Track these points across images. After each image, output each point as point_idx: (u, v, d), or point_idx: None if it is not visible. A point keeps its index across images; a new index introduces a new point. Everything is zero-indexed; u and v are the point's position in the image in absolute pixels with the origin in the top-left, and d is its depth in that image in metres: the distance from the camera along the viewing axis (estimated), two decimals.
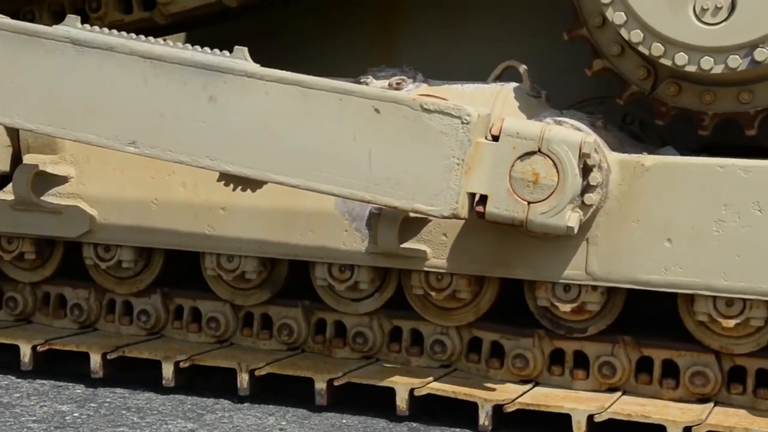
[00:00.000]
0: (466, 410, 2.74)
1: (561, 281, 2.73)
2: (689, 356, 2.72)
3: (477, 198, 2.60)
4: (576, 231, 2.60)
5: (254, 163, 2.67)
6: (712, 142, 2.98)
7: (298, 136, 2.63)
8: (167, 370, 2.99)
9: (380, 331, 3.01)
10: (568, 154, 2.56)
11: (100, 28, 2.77)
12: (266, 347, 3.10)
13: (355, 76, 3.02)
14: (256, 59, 2.71)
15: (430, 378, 2.82)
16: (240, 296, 3.12)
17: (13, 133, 3.21)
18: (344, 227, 2.91)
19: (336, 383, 2.84)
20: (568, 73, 3.23)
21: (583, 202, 2.61)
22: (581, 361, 2.82)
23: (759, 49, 2.64)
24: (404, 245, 2.81)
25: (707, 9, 2.67)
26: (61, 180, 3.17)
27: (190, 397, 2.95)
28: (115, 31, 2.76)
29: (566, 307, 2.75)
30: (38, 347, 3.11)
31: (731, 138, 2.91)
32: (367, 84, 2.96)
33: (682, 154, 2.83)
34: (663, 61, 2.73)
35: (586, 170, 2.61)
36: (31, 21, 3.45)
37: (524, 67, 2.98)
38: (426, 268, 2.84)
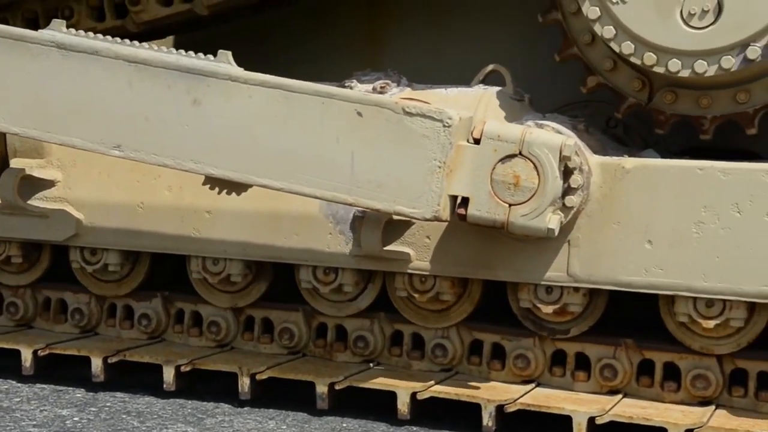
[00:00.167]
0: (467, 414, 2.75)
1: (543, 283, 2.75)
2: (690, 359, 2.72)
3: (459, 200, 2.62)
4: (557, 233, 2.62)
5: (238, 166, 2.69)
6: (696, 146, 3.01)
7: (281, 140, 2.65)
8: (168, 374, 2.99)
9: (381, 335, 3.01)
10: (548, 157, 2.58)
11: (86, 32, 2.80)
12: (267, 351, 3.10)
13: (342, 79, 3.04)
14: (245, 63, 2.73)
15: (432, 381, 2.82)
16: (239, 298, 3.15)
17: (0, 138, 3.23)
18: (329, 230, 2.92)
19: (337, 387, 2.84)
20: (553, 77, 3.26)
21: (564, 204, 2.63)
22: (582, 362, 2.83)
23: (751, 47, 2.65)
24: (388, 248, 2.83)
25: (694, 13, 2.69)
26: (48, 184, 3.19)
27: (190, 401, 2.96)
28: (100, 35, 2.79)
29: (548, 309, 2.77)
30: (39, 352, 3.12)
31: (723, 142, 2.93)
32: (351, 88, 2.98)
33: (663, 156, 2.85)
34: (656, 69, 2.74)
35: (567, 173, 2.62)
36: None
37: (505, 70, 3.00)
38: (410, 271, 2.85)
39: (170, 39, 3.75)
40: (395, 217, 2.74)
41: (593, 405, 2.67)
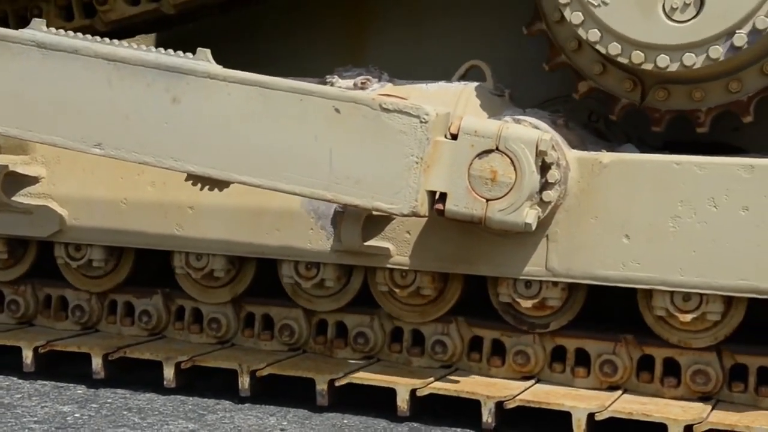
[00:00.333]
0: (467, 410, 2.76)
1: (522, 277, 2.76)
2: (690, 355, 2.72)
3: (437, 196, 2.63)
4: (534, 228, 2.63)
5: (217, 164, 2.71)
6: (675, 140, 3.02)
7: (260, 137, 2.67)
8: (168, 371, 3.00)
9: (381, 332, 3.02)
10: (524, 152, 2.59)
11: (65, 31, 2.81)
12: (267, 348, 3.11)
13: (323, 75, 3.05)
14: (226, 60, 2.74)
15: (432, 378, 2.83)
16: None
17: None
18: (310, 225, 2.94)
19: (337, 384, 2.84)
20: (534, 72, 3.26)
21: (541, 199, 2.64)
22: (582, 358, 2.84)
23: (737, 34, 2.66)
24: (368, 243, 2.84)
25: (676, 7, 2.70)
26: (32, 180, 3.20)
27: (191, 398, 2.96)
28: (80, 34, 2.80)
29: (527, 303, 2.78)
30: (40, 348, 3.13)
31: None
32: (332, 84, 2.99)
33: (642, 151, 2.86)
34: (645, 66, 2.75)
35: (544, 168, 2.64)
36: None
37: (486, 65, 3.01)
38: (390, 266, 2.87)
39: (152, 37, 3.76)
40: (374, 213, 2.76)
41: (593, 401, 2.67)
